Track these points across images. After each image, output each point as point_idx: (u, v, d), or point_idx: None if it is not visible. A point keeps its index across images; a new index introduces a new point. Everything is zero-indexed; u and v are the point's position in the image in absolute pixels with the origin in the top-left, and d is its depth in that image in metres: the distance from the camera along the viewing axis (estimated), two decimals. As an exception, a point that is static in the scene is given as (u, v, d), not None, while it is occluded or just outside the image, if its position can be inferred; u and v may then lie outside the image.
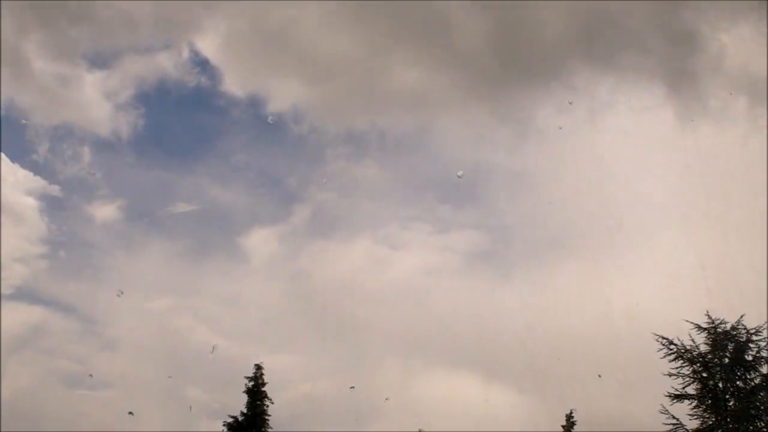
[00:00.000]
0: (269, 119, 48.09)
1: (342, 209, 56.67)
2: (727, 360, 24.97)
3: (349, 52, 57.52)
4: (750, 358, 24.87)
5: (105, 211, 56.23)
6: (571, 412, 29.17)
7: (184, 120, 63.04)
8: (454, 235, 59.35)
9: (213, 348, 31.16)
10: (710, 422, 24.60)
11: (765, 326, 24.74)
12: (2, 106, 51.66)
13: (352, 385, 29.65)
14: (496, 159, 55.63)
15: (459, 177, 30.74)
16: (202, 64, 60.35)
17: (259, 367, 28.47)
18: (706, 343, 25.46)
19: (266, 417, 28.17)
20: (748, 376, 24.77)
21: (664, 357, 25.76)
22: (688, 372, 25.49)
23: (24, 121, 53.42)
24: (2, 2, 47.32)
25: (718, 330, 25.37)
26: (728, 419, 24.14)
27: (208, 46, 65.07)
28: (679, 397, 25.35)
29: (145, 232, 57.53)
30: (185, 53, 59.11)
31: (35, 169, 57.24)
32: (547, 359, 32.72)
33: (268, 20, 58.63)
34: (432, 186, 62.42)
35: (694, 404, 25.15)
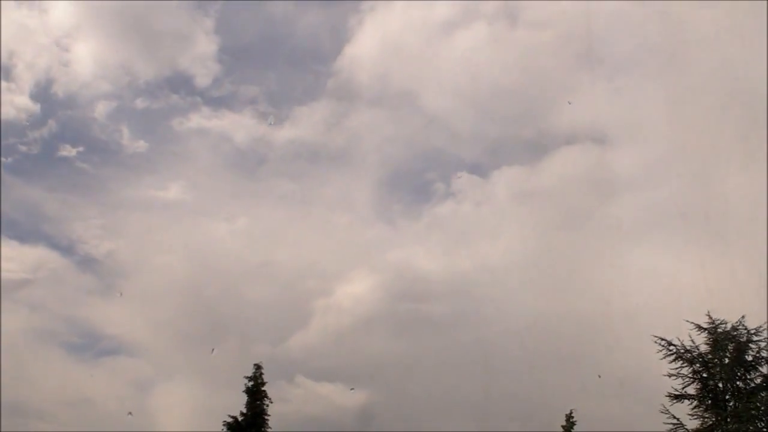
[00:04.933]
0: (269, 121, 47.88)
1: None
2: (727, 360, 24.94)
3: None
4: (750, 358, 24.82)
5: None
6: (570, 412, 29.22)
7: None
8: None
9: (213, 350, 31.07)
10: (710, 422, 24.58)
11: (765, 326, 24.74)
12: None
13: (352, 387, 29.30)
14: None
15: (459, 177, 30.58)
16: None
17: (258, 367, 28.35)
18: (706, 344, 25.45)
19: (266, 417, 28.06)
20: (749, 377, 24.72)
21: (664, 358, 25.82)
22: (688, 372, 25.50)
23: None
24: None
25: (719, 330, 25.35)
26: (728, 419, 24.11)
27: None
28: (679, 397, 25.33)
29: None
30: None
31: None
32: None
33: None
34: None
35: (694, 404, 25.15)
